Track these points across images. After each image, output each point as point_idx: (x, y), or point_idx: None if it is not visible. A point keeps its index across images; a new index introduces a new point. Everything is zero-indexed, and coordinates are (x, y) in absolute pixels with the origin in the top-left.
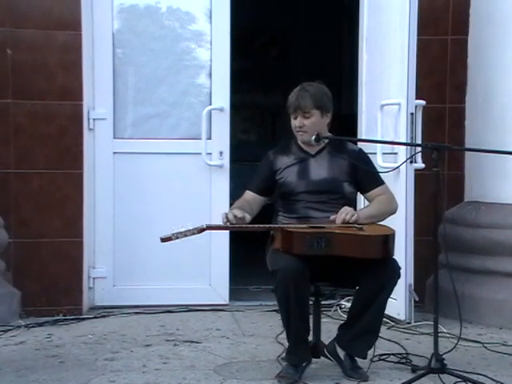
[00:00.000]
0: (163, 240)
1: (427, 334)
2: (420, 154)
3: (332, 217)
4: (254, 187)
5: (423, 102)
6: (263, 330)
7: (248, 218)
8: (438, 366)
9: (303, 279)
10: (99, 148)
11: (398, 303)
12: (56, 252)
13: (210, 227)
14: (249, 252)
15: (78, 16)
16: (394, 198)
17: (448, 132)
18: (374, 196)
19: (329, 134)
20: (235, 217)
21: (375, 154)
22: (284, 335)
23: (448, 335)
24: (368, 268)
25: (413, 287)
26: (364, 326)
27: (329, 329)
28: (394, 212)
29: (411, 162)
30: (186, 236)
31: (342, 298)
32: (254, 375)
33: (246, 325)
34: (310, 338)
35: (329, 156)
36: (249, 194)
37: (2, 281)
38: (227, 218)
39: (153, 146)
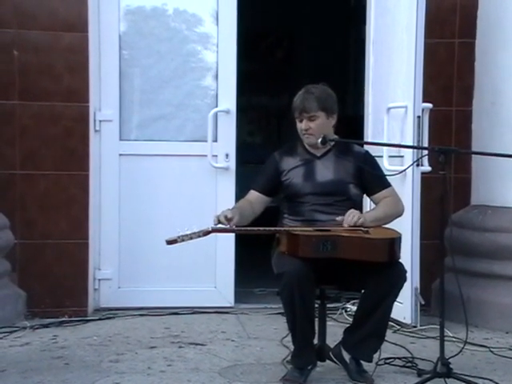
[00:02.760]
0: (169, 242)
1: (433, 337)
2: (427, 157)
3: (338, 218)
4: (258, 187)
5: (430, 105)
6: (268, 333)
7: (236, 219)
8: (443, 370)
9: (309, 282)
10: (105, 150)
11: (403, 307)
12: (61, 253)
13: (215, 230)
14: (254, 254)
15: (85, 17)
16: (401, 200)
17: (455, 135)
18: (381, 198)
19: (335, 136)
20: (225, 218)
21: (381, 156)
22: (289, 338)
23: (454, 339)
24: (374, 271)
25: (419, 291)
26: (370, 330)
27: (334, 332)
28: (400, 215)
29: (418, 165)
30: (191, 239)
31: (348, 302)
32: (259, 378)
33: (251, 327)
34: (316, 341)
35: (335, 158)
36: (253, 194)
37: (8, 282)
38: (218, 220)
39: (159, 148)
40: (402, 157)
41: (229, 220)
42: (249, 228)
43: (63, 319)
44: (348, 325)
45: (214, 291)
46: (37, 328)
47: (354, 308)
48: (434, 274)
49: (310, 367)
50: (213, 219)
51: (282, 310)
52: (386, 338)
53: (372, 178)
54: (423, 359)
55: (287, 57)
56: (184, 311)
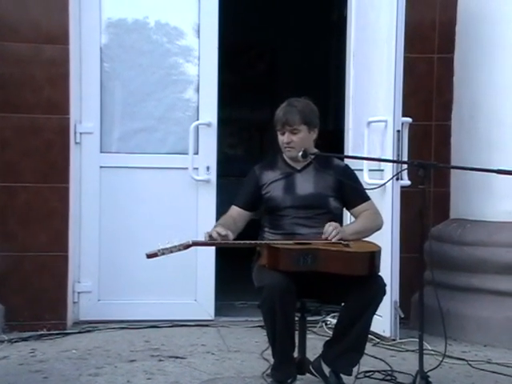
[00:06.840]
0: (149, 256)
1: (412, 351)
2: (406, 171)
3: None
4: (239, 202)
5: (410, 120)
6: (249, 346)
7: (231, 235)
8: (422, 383)
9: (289, 295)
10: (86, 162)
11: (383, 320)
12: (41, 266)
13: (196, 243)
14: (235, 268)
15: (66, 30)
16: (380, 213)
17: (434, 149)
18: (360, 212)
19: (315, 150)
20: (219, 234)
21: (362, 170)
22: (269, 351)
23: (433, 352)
24: (354, 285)
25: (398, 304)
26: (349, 343)
27: (314, 345)
28: (379, 228)
29: (397, 179)
30: (171, 252)
31: (328, 315)
32: None
33: (231, 340)
34: (296, 354)
35: (315, 171)
36: (234, 210)
37: None
38: (211, 236)
39: (140, 161)
40: (381, 171)
41: (222, 236)
42: (229, 241)
43: (42, 332)
44: (328, 338)
45: (194, 304)
46: (15, 341)
47: (334, 321)
48: (414, 288)
49: (289, 380)
50: (204, 236)
51: (263, 323)
52: (365, 351)
53: (351, 192)
54: (402, 372)
55: (269, 70)
56: (164, 324)
